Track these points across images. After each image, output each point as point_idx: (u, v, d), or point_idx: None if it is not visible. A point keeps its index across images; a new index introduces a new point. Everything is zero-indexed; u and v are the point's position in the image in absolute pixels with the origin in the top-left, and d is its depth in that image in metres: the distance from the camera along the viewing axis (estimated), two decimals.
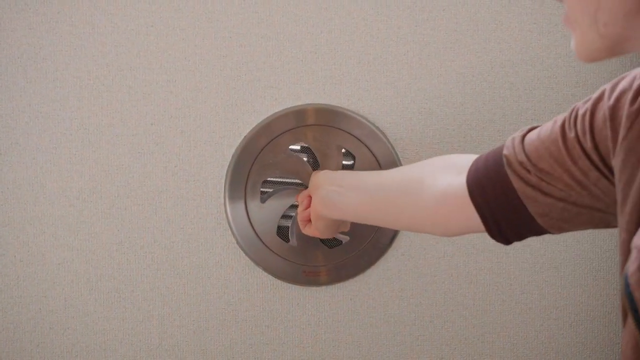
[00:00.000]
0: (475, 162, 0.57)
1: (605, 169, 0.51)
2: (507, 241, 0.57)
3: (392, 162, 0.76)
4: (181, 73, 0.76)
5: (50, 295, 0.77)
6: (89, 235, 0.77)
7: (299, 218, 0.74)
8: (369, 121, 0.77)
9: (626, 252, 0.47)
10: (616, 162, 0.49)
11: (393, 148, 0.76)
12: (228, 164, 0.77)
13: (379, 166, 0.76)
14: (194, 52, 0.76)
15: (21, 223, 0.76)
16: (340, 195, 0.67)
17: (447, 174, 0.60)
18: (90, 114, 0.76)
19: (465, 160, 0.59)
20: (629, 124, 0.48)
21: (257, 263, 0.77)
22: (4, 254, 0.76)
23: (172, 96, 0.76)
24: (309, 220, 0.72)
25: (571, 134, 0.51)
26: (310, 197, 0.72)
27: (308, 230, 0.73)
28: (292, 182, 0.77)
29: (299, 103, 0.77)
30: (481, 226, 0.56)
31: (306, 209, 0.72)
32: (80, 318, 0.77)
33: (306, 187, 0.75)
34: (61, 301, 0.77)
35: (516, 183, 0.52)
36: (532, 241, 0.75)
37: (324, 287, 0.77)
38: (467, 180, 0.56)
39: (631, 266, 0.43)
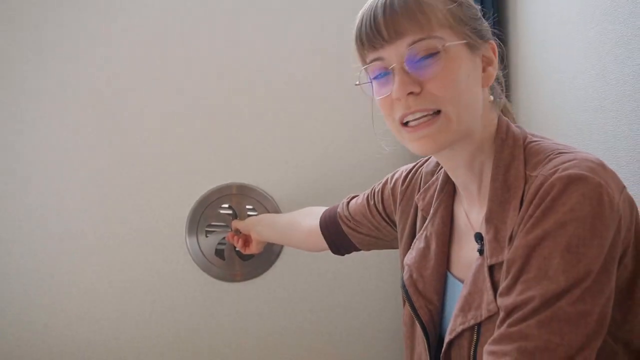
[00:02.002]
0: (324, 213, 1.10)
1: (390, 221, 0.95)
2: (342, 254, 1.10)
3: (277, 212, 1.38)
4: (157, 164, 1.36)
5: (52, 326, 1.36)
6: (88, 272, 1.37)
7: (239, 247, 1.31)
8: (264, 190, 1.39)
9: (402, 266, 0.85)
10: (397, 218, 0.90)
11: (278, 206, 1.39)
12: (187, 215, 1.37)
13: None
14: (161, 154, 1.36)
15: None
16: (263, 231, 1.26)
17: (310, 219, 1.15)
18: (100, 194, 1.36)
19: (319, 211, 1.13)
20: (401, 197, 0.90)
21: (204, 270, 1.38)
22: None
23: (155, 175, 1.37)
24: (247, 246, 1.30)
25: (371, 202, 1.01)
26: (237, 236, 1.31)
27: (249, 251, 1.30)
28: (223, 225, 1.39)
29: (227, 181, 1.38)
30: (328, 248, 1.09)
31: (238, 241, 1.30)
32: (90, 326, 1.37)
33: (230, 230, 1.36)
34: (73, 314, 1.36)
35: (343, 227, 1.05)
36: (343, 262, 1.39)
37: (240, 283, 1.39)
38: (319, 224, 1.10)
39: (405, 275, 0.81)
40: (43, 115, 1.34)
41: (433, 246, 0.80)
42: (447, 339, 0.74)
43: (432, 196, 0.83)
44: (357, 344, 1.42)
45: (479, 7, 0.74)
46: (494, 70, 0.73)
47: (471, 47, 0.70)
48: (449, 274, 0.80)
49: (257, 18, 1.37)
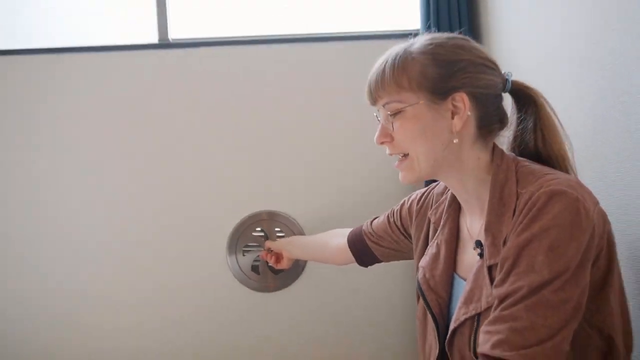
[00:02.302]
0: (351, 232, 1.24)
1: (407, 235, 1.09)
2: (366, 266, 1.23)
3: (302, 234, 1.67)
4: (203, 196, 1.66)
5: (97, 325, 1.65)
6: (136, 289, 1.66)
7: (272, 263, 1.55)
8: (290, 216, 1.68)
9: (416, 269, 0.97)
10: (412, 231, 1.04)
11: (302, 229, 1.68)
12: (227, 238, 1.66)
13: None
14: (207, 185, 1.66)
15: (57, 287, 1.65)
16: (293, 250, 1.50)
17: (338, 239, 1.30)
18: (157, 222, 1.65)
19: (345, 231, 1.28)
20: (416, 214, 1.03)
21: (242, 283, 1.67)
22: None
23: (200, 207, 1.66)
24: (278, 262, 1.54)
25: (391, 220, 1.12)
26: (270, 254, 1.55)
27: (280, 266, 1.55)
28: (257, 245, 1.68)
29: (259, 209, 1.67)
30: (354, 261, 1.24)
31: (271, 259, 1.55)
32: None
33: (264, 249, 1.63)
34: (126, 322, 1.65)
35: (368, 242, 1.18)
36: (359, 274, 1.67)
37: (272, 293, 1.68)
38: (347, 242, 1.24)
39: (419, 275, 0.93)
40: (92, 142, 1.64)
41: (443, 251, 0.92)
42: (451, 327, 0.84)
43: (442, 211, 0.96)
44: (374, 339, 1.70)
45: (468, 57, 0.82)
46: (460, 119, 0.82)
47: (429, 105, 0.83)
48: (455, 274, 0.91)
49: (283, 70, 1.67)
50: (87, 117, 1.65)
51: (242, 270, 1.67)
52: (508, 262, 0.74)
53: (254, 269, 1.67)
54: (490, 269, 0.80)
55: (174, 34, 1.70)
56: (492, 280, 0.79)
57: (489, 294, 0.78)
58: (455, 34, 0.87)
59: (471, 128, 0.84)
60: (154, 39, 1.69)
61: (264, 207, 1.68)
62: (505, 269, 0.74)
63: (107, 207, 1.65)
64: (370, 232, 1.20)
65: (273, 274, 1.68)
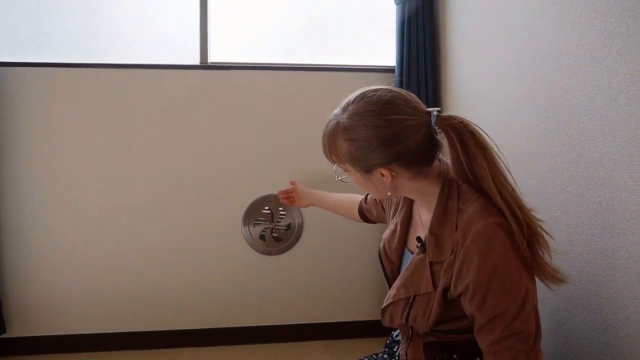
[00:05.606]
0: (358, 207, 1.49)
1: (383, 208, 1.33)
2: (369, 222, 1.50)
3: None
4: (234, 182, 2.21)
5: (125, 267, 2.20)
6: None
7: (282, 200, 1.96)
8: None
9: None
10: (385, 207, 1.29)
11: (300, 210, 2.22)
12: (242, 213, 2.20)
13: (302, 218, 2.22)
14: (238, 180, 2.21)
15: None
16: (316, 204, 1.82)
17: (354, 208, 1.52)
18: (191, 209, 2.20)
19: (358, 198, 1.52)
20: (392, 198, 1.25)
21: (252, 247, 2.22)
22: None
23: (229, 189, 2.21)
24: (292, 203, 1.96)
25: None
26: (285, 197, 1.99)
27: (296, 205, 1.92)
28: (264, 220, 2.22)
29: (268, 193, 2.21)
30: (361, 220, 1.52)
31: (285, 200, 1.99)
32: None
33: (271, 220, 2.18)
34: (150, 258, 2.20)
35: (365, 213, 1.46)
36: (347, 239, 2.21)
37: (275, 256, 2.23)
38: (358, 212, 1.50)
39: (380, 245, 1.16)
40: (145, 137, 2.19)
41: (398, 229, 1.09)
42: (390, 299, 1.01)
43: (401, 198, 1.14)
44: (349, 290, 2.26)
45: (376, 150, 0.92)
46: (387, 178, 0.95)
47: (362, 173, 0.97)
48: (405, 247, 1.09)
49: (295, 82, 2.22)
50: (146, 117, 2.17)
51: (252, 238, 2.21)
52: (481, 287, 0.87)
53: (261, 237, 2.22)
54: (431, 264, 0.96)
55: (212, 58, 2.22)
56: (432, 273, 0.96)
57: (429, 283, 0.96)
58: (378, 99, 0.93)
59: (404, 174, 0.97)
60: (196, 61, 2.21)
61: (272, 192, 2.22)
62: (480, 293, 0.88)
63: (158, 190, 2.18)
64: (365, 206, 1.50)
65: (275, 242, 2.22)
